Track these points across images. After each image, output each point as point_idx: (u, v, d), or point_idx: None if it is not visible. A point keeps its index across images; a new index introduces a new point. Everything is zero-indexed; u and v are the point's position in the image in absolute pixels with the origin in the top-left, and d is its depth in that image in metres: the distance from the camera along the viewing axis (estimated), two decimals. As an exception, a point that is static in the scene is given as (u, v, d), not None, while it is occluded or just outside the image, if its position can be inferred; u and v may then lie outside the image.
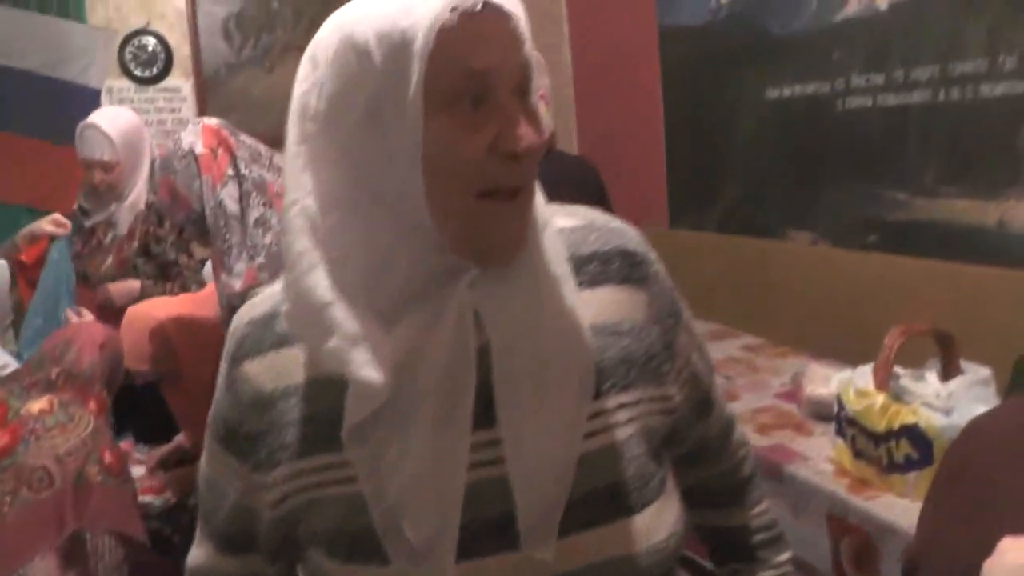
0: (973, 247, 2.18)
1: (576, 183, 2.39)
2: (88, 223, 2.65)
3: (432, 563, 0.71)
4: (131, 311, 2.06)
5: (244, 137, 1.80)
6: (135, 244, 2.63)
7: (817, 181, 2.71)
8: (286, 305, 0.75)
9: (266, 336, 0.80)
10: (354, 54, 0.70)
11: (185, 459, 2.16)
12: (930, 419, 1.54)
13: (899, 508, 1.57)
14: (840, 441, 1.76)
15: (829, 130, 2.62)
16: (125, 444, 2.21)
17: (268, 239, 1.71)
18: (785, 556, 0.98)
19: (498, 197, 0.70)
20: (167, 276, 2.64)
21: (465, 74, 0.68)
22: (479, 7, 0.68)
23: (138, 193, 2.59)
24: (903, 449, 1.58)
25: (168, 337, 1.96)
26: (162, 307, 2.11)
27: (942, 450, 1.50)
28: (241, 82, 3.92)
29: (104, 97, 3.60)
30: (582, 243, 0.82)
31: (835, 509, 1.67)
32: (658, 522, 0.77)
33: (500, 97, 0.69)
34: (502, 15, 0.70)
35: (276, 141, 1.84)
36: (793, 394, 2.21)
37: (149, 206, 2.44)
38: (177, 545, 1.88)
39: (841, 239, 2.64)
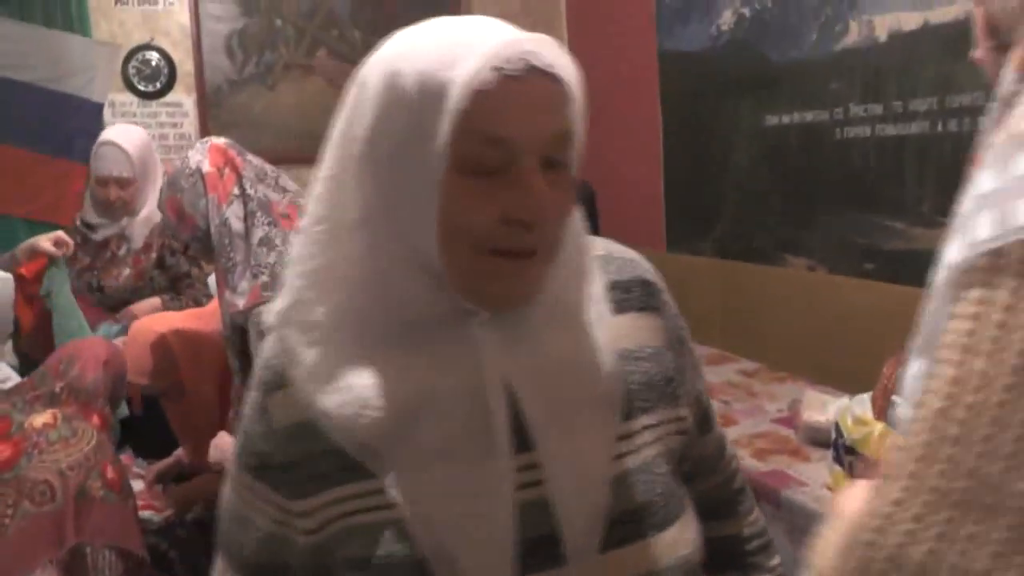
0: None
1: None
2: (98, 237, 2.67)
3: None
4: (135, 326, 2.06)
5: (251, 157, 1.81)
6: (153, 256, 2.65)
7: (815, 209, 2.74)
8: (284, 302, 0.76)
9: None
10: (394, 91, 0.69)
11: (183, 474, 2.16)
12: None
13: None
14: (837, 468, 1.77)
15: (827, 158, 2.65)
16: (124, 458, 2.21)
17: (272, 258, 1.71)
18: (776, 560, 1.01)
19: (510, 255, 0.70)
20: (178, 289, 2.66)
21: (489, 140, 0.67)
22: (523, 71, 0.67)
23: (152, 207, 2.62)
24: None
25: (171, 351, 1.96)
26: (165, 321, 2.12)
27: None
28: (243, 99, 3.94)
29: (107, 111, 3.62)
30: (603, 272, 0.85)
31: (832, 535, 1.68)
32: (684, 535, 0.79)
33: (524, 164, 0.68)
34: (548, 80, 0.69)
35: (277, 158, 1.86)
36: (790, 420, 2.22)
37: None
38: (174, 561, 1.87)
39: (838, 266, 2.66)
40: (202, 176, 1.74)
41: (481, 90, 0.65)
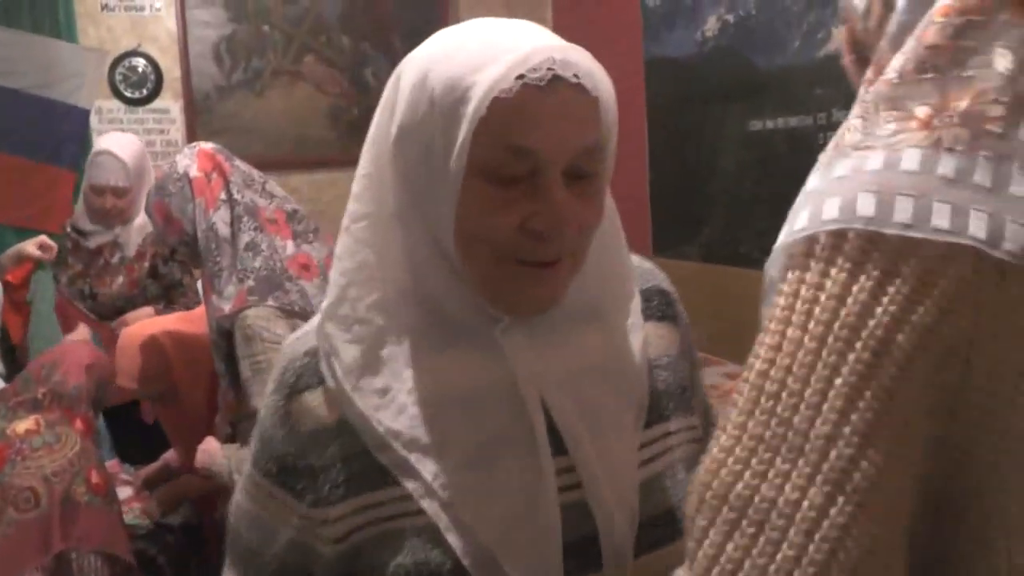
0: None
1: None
2: (90, 244, 2.68)
3: None
4: (126, 332, 2.06)
5: (239, 162, 1.82)
6: (146, 265, 2.66)
7: (799, 213, 2.76)
8: (328, 299, 0.76)
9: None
10: (423, 92, 0.69)
11: (171, 479, 2.16)
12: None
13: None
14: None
15: (812, 163, 2.65)
16: (111, 464, 2.21)
17: (258, 263, 1.72)
18: None
19: (524, 264, 0.70)
20: (171, 298, 2.67)
21: (510, 150, 0.66)
22: (546, 81, 0.65)
23: (145, 215, 2.63)
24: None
25: (165, 354, 1.96)
26: (156, 324, 2.12)
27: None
28: (231, 106, 3.95)
29: (93, 117, 3.62)
30: None
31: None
32: None
33: (546, 176, 0.67)
34: (576, 91, 0.67)
35: (266, 164, 1.87)
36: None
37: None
38: (162, 566, 1.88)
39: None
40: (190, 181, 1.75)
41: (502, 98, 0.64)
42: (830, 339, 0.50)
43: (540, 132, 0.66)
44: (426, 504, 0.71)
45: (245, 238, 1.74)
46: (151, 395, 2.02)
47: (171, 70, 3.86)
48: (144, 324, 2.17)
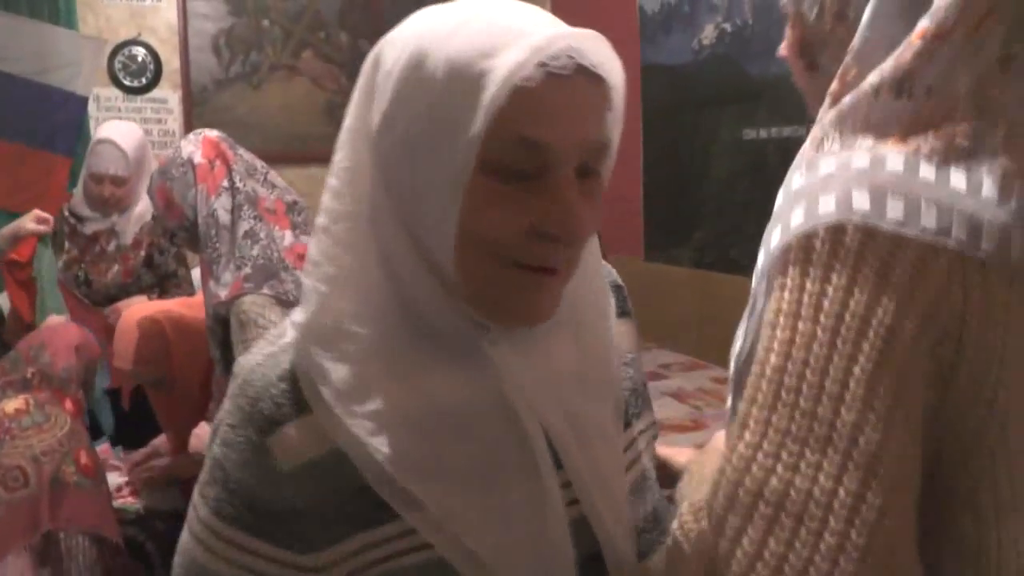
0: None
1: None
2: (87, 230, 2.68)
3: None
4: (127, 313, 2.07)
5: (242, 151, 1.84)
6: (142, 254, 2.67)
7: (790, 221, 2.79)
8: (306, 312, 0.67)
9: (302, 392, 0.67)
10: (420, 78, 0.61)
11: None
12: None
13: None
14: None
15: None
16: (102, 449, 2.21)
17: (256, 251, 1.73)
18: None
19: (532, 270, 0.63)
20: (165, 288, 2.68)
21: (525, 143, 0.59)
22: (570, 70, 0.59)
23: (144, 205, 2.64)
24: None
25: (163, 335, 1.97)
26: (157, 306, 2.13)
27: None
28: (227, 98, 3.96)
29: (91, 105, 3.62)
30: None
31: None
32: None
33: (558, 173, 0.61)
34: (595, 82, 0.62)
35: (260, 158, 1.88)
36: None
37: (155, 218, 2.49)
38: (151, 552, 1.88)
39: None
40: (193, 167, 1.76)
41: (523, 87, 0.57)
42: (843, 329, 0.52)
43: (557, 126, 0.60)
44: (435, 538, 0.65)
45: (244, 226, 1.75)
46: (147, 379, 2.02)
47: (170, 61, 3.87)
48: (145, 305, 2.17)
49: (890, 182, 0.54)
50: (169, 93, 3.89)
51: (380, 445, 0.64)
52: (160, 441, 2.16)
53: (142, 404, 2.13)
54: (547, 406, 0.67)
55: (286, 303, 1.70)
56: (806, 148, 0.62)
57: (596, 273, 0.75)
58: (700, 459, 0.78)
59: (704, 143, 3.20)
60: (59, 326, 2.11)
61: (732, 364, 0.66)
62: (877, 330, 0.51)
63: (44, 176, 3.46)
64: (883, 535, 0.49)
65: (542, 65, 0.58)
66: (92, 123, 3.56)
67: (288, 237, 1.78)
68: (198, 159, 1.76)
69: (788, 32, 0.76)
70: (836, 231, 0.54)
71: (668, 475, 0.86)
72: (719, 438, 0.76)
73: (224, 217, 1.74)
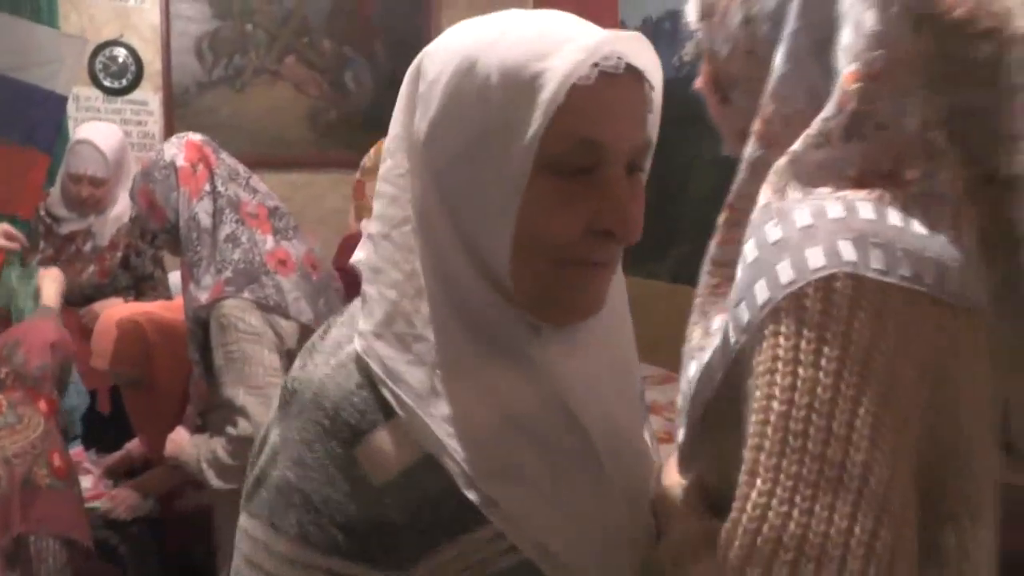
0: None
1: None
2: (63, 230, 2.66)
3: None
4: (106, 312, 2.05)
5: (225, 156, 1.85)
6: (118, 255, 2.65)
7: (767, 238, 2.82)
8: (375, 318, 0.67)
9: (384, 398, 0.66)
10: (471, 85, 0.62)
11: (134, 469, 2.15)
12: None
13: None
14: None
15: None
16: (75, 452, 2.19)
17: (237, 255, 1.73)
18: None
19: (584, 265, 0.66)
20: (141, 290, 2.66)
21: (582, 141, 0.62)
22: (621, 69, 0.62)
23: (122, 206, 2.63)
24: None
25: (144, 336, 1.96)
26: (137, 307, 2.12)
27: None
28: (209, 101, 3.94)
29: (70, 105, 3.58)
30: None
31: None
32: None
33: (611, 171, 0.64)
34: (641, 82, 0.65)
35: (242, 162, 1.88)
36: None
37: (133, 220, 2.47)
38: (123, 556, 1.86)
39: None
40: (176, 170, 1.77)
41: (579, 86, 0.60)
42: (845, 373, 0.54)
43: (611, 124, 0.63)
44: (518, 539, 0.64)
45: (226, 230, 1.75)
46: (124, 379, 2.01)
47: (152, 63, 3.85)
48: (126, 306, 2.16)
49: (868, 230, 0.56)
50: (150, 95, 3.87)
51: (459, 447, 0.64)
52: (133, 445, 2.15)
53: (117, 407, 2.11)
54: (590, 405, 0.68)
55: (266, 307, 1.70)
56: (770, 197, 0.63)
57: (619, 278, 0.76)
58: (659, 491, 0.77)
59: (684, 158, 3.23)
60: (35, 323, 2.08)
61: (685, 396, 0.68)
62: (878, 373, 0.53)
63: (20, 173, 3.40)
64: (899, 567, 0.51)
65: (595, 65, 0.60)
66: (71, 123, 3.53)
67: (270, 242, 1.78)
68: (181, 162, 1.77)
69: (703, 68, 0.79)
70: (828, 280, 0.55)
71: None
72: (671, 468, 0.75)
73: (205, 220, 1.74)
